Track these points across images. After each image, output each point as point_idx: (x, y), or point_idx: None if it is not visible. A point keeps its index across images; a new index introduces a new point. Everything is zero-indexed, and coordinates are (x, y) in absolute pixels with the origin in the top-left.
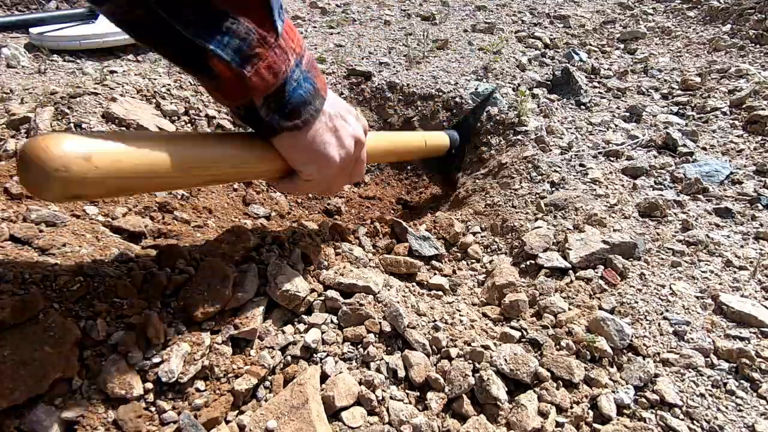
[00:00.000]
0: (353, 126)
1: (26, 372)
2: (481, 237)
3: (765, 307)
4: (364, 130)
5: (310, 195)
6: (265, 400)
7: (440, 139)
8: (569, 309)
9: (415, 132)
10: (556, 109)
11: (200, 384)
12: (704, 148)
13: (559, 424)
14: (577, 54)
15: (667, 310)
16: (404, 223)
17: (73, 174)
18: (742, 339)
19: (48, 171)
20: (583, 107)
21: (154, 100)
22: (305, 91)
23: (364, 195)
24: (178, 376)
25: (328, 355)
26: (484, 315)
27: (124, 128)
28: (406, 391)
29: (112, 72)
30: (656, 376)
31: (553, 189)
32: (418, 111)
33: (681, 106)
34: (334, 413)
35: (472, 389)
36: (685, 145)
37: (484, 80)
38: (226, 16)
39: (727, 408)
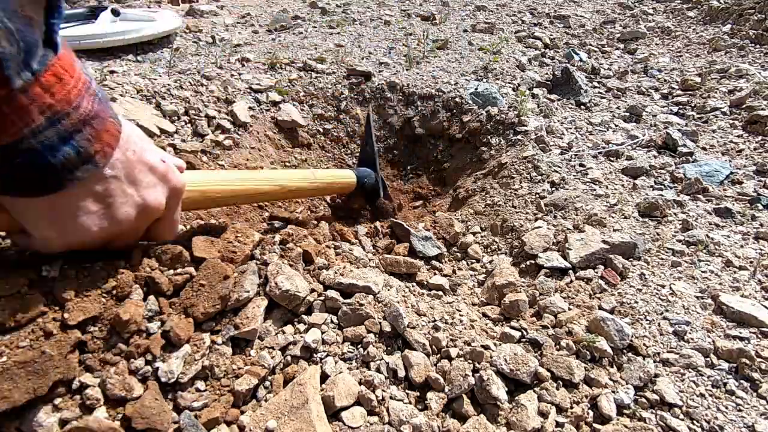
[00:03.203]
0: (146, 192)
1: (26, 373)
2: (481, 237)
3: (765, 307)
4: (174, 188)
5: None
6: (265, 400)
7: (339, 176)
8: (569, 309)
9: (300, 170)
10: (556, 109)
11: (200, 384)
12: (704, 148)
13: (559, 424)
14: (577, 54)
15: (667, 310)
16: (406, 224)
17: None
18: (742, 339)
19: None
20: (583, 107)
21: (154, 100)
22: (60, 156)
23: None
24: (178, 376)
25: (328, 355)
26: (484, 315)
27: None
28: (406, 391)
29: (112, 72)
30: (656, 376)
31: (553, 189)
32: (418, 111)
33: (681, 106)
34: (334, 413)
35: (472, 389)
36: (685, 145)
37: (484, 80)
38: None
39: (727, 408)
